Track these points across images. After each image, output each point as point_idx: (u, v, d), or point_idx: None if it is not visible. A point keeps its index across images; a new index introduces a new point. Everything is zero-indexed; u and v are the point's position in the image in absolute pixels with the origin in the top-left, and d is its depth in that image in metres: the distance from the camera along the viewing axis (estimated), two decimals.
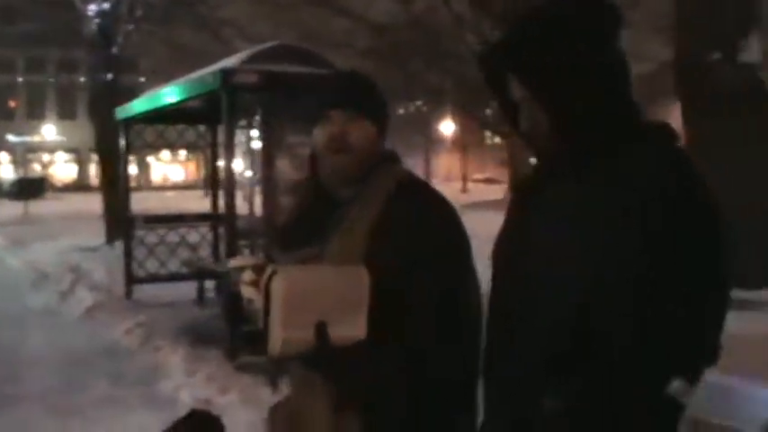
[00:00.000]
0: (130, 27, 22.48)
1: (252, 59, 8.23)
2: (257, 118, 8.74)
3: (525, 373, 1.84)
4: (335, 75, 3.61)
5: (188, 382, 7.25)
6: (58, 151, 73.09)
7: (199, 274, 11.35)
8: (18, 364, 8.25)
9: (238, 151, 9.85)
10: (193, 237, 12.82)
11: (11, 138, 67.70)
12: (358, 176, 2.41)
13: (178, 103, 9.54)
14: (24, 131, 68.01)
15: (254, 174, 10.76)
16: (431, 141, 66.22)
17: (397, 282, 2.23)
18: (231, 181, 8.29)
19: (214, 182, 13.05)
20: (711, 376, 1.29)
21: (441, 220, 2.39)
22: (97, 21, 21.19)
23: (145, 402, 6.88)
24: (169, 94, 9.70)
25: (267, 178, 7.97)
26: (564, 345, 1.75)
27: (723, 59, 9.89)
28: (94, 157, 47.71)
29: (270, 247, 7.80)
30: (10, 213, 32.97)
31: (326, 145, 2.40)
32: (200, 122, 12.31)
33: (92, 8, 21.15)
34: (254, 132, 10.73)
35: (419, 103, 53.96)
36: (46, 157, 72.78)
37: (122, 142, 12.35)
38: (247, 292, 2.33)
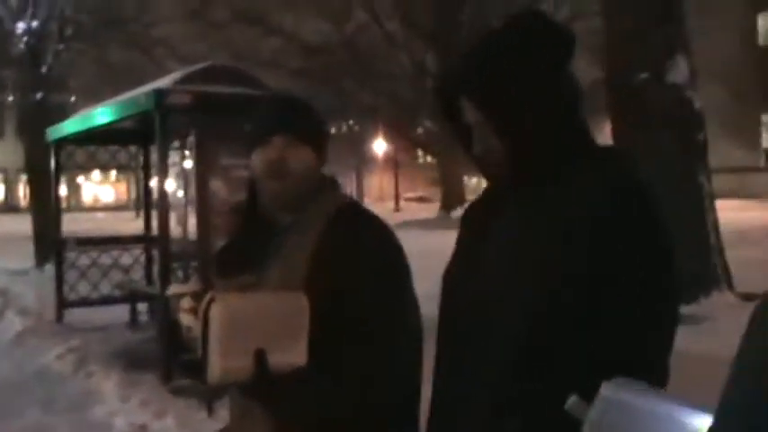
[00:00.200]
0: (60, 46, 22.20)
1: (185, 80, 8.19)
2: (191, 139, 8.68)
3: (477, 389, 1.84)
4: (274, 98, 3.59)
5: (122, 407, 7.14)
6: None
7: (131, 296, 11.22)
8: None
9: (171, 172, 9.77)
10: (126, 259, 12.63)
11: None
12: (297, 202, 2.40)
13: (110, 123, 9.43)
14: None
15: (186, 195, 10.66)
16: (363, 161, 66.26)
17: (336, 307, 2.23)
18: (164, 203, 8.21)
19: (147, 204, 12.90)
20: (628, 395, 1.29)
21: (379, 244, 2.39)
22: (26, 39, 20.90)
23: (78, 429, 6.76)
24: (101, 115, 9.59)
25: (201, 200, 7.90)
26: (514, 365, 1.76)
27: (651, 79, 10.11)
28: (23, 177, 47.02)
29: (204, 271, 7.75)
30: None
31: (265, 170, 2.39)
32: (132, 143, 12.19)
33: (20, 26, 20.85)
34: (187, 153, 10.66)
35: (351, 122, 54.08)
36: None
37: (53, 163, 12.17)
38: (186, 319, 2.30)
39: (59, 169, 12.29)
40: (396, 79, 39.05)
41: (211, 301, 2.15)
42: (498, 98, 1.85)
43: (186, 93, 7.82)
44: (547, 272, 1.74)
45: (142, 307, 11.21)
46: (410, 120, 44.82)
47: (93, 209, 66.02)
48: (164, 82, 8.42)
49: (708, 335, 7.35)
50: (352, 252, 2.30)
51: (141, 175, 13.07)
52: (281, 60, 34.66)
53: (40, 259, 18.53)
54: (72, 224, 15.19)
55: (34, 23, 20.86)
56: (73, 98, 36.53)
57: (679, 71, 10.20)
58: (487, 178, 2.03)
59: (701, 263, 9.81)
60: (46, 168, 14.29)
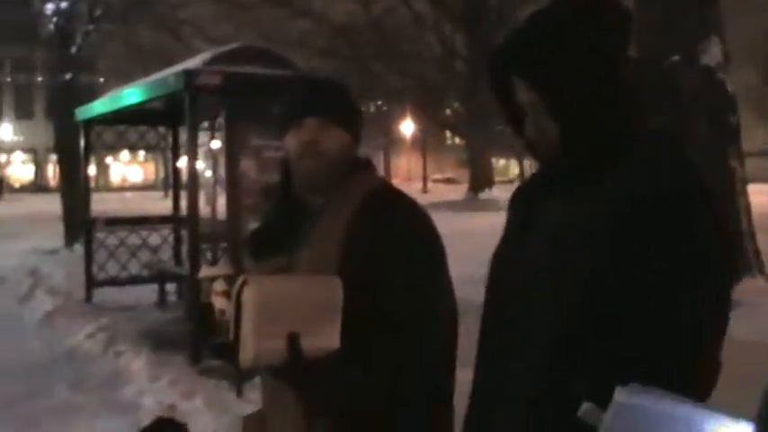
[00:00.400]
0: (89, 27, 22.27)
1: (214, 60, 8.17)
2: (220, 120, 8.67)
3: (522, 374, 1.80)
4: (306, 80, 3.56)
5: (151, 387, 7.17)
6: (15, 152, 72.22)
7: (160, 276, 11.27)
8: None
9: (199, 152, 9.78)
10: (154, 239, 12.67)
11: None
12: (330, 184, 2.37)
13: (139, 103, 9.46)
14: None
15: (214, 175, 10.68)
16: (391, 141, 66.18)
17: (369, 292, 2.19)
18: (194, 183, 8.22)
19: (175, 184, 12.94)
20: (643, 400, 1.26)
21: (413, 228, 2.34)
22: (55, 20, 20.97)
23: (107, 408, 6.78)
24: (130, 95, 9.62)
25: (231, 181, 7.89)
26: (549, 355, 1.72)
27: (683, 62, 10.03)
28: (52, 157, 47.40)
29: (234, 252, 7.76)
30: None
31: (298, 152, 2.36)
32: (162, 124, 12.24)
33: (49, 7, 20.93)
34: (216, 133, 10.67)
35: (379, 102, 54.03)
36: (2, 157, 71.67)
37: (82, 143, 12.23)
38: (219, 302, 2.29)
39: (89, 149, 12.36)
40: (424, 61, 39.00)
41: (244, 284, 2.13)
42: (553, 78, 1.76)
43: (216, 73, 7.80)
44: (582, 266, 1.68)
45: (170, 287, 11.28)
46: (438, 101, 44.80)
47: (122, 189, 66.51)
48: (193, 62, 8.40)
49: (743, 320, 7.27)
50: (384, 237, 2.25)
51: (170, 156, 13.12)
52: (308, 40, 34.69)
53: (70, 239, 18.68)
54: (100, 204, 15.24)
55: (63, 4, 20.93)
56: (102, 79, 36.75)
57: (712, 54, 10.13)
58: (539, 161, 1.95)
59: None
60: (75, 148, 14.38)
